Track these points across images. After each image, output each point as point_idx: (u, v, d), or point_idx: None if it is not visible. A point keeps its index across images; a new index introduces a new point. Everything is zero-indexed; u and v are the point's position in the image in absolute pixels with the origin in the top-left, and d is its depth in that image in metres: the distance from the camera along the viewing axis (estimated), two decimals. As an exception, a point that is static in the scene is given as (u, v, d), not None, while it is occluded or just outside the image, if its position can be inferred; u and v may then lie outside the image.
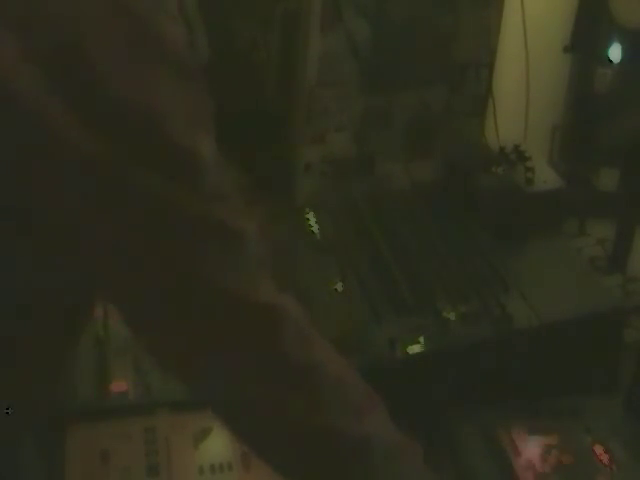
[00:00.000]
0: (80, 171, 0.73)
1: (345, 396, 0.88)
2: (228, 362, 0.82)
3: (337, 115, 1.65)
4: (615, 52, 2.27)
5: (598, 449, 1.25)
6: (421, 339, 1.31)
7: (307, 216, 1.56)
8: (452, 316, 1.35)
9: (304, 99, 1.61)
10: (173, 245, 0.78)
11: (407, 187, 1.71)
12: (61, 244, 0.79)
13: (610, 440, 1.27)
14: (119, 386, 1.31)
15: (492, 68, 1.80)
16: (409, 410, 1.29)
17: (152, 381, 1.32)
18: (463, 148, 1.74)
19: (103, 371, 1.34)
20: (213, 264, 0.80)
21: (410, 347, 1.30)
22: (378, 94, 1.68)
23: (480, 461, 1.23)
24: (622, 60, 2.27)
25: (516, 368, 1.35)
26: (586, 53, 2.33)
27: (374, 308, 1.37)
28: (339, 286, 1.42)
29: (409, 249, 1.50)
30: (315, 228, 1.54)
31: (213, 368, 0.83)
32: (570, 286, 1.45)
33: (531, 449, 1.25)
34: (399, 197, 1.64)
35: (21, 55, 0.70)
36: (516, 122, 2.12)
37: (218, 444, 1.23)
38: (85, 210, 0.75)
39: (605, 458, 1.24)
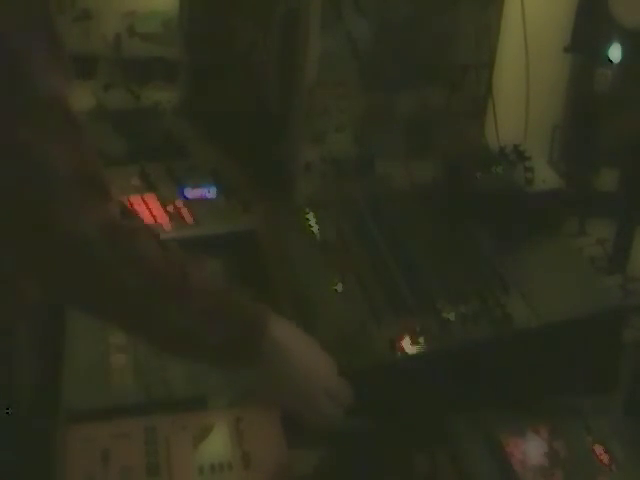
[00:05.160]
0: None
1: None
2: None
3: (337, 115, 1.65)
4: (615, 52, 2.28)
5: (598, 449, 1.25)
6: (421, 339, 1.31)
7: (307, 216, 1.56)
8: (452, 316, 1.35)
9: (304, 99, 1.61)
10: None
11: (407, 187, 1.71)
12: None
13: (610, 440, 1.27)
14: (119, 386, 1.31)
15: (492, 68, 1.80)
16: (409, 410, 1.29)
17: (152, 381, 1.32)
18: (463, 148, 1.74)
19: (103, 371, 1.34)
20: None
21: (410, 347, 1.30)
22: (378, 94, 1.68)
23: (480, 461, 1.22)
24: (622, 60, 2.27)
25: (516, 368, 1.35)
26: (586, 53, 2.34)
27: (374, 308, 1.37)
28: (339, 286, 1.42)
29: (409, 249, 1.50)
30: (315, 228, 1.54)
31: None
32: (570, 286, 1.45)
33: (531, 449, 1.25)
34: (399, 197, 1.63)
35: None
36: (516, 122, 2.12)
37: (218, 444, 1.23)
38: None
39: (605, 458, 1.24)
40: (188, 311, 1.06)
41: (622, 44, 2.26)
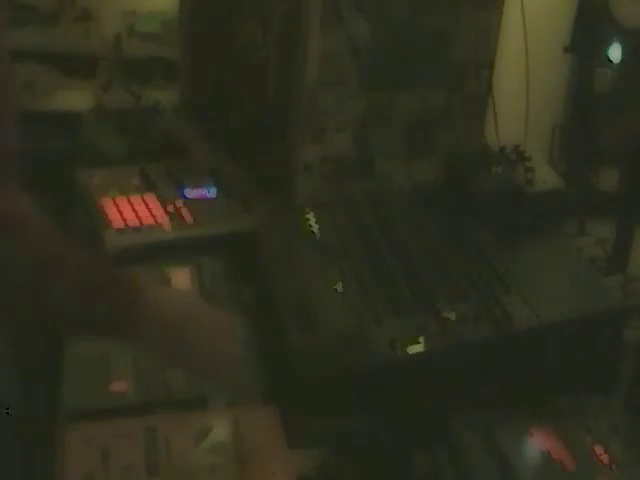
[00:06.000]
0: None
1: None
2: None
3: (337, 115, 1.65)
4: (615, 52, 2.28)
5: (598, 449, 1.25)
6: (421, 339, 1.31)
7: (307, 216, 1.56)
8: (452, 316, 1.35)
9: (304, 99, 1.61)
10: None
11: (407, 187, 1.71)
12: None
13: (610, 440, 1.27)
14: (119, 386, 1.31)
15: (492, 68, 1.80)
16: (409, 410, 1.30)
17: (152, 381, 1.32)
18: (463, 148, 1.74)
19: (103, 371, 1.34)
20: None
21: (410, 347, 1.31)
22: (378, 94, 1.68)
23: (480, 461, 1.23)
24: (622, 60, 2.27)
25: (516, 368, 1.35)
26: (586, 53, 2.34)
27: (374, 308, 1.37)
28: (339, 286, 1.42)
29: (409, 249, 1.50)
30: (315, 228, 1.54)
31: None
32: (570, 286, 1.45)
33: (531, 449, 1.25)
34: (399, 197, 1.64)
35: None
36: (516, 122, 2.12)
37: (218, 444, 1.23)
38: None
39: (605, 458, 1.24)
40: (66, 285, 1.08)
41: (622, 44, 2.26)
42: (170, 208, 1.70)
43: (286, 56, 1.64)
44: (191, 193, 1.75)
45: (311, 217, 1.56)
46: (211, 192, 1.76)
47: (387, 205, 1.61)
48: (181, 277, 1.54)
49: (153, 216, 1.67)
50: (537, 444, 1.26)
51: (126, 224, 1.64)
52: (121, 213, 1.67)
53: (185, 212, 1.69)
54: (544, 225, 1.56)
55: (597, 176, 2.40)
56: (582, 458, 1.24)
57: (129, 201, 1.70)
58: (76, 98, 2.22)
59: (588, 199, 2.26)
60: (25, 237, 1.06)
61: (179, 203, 1.71)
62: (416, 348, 1.31)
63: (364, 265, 1.47)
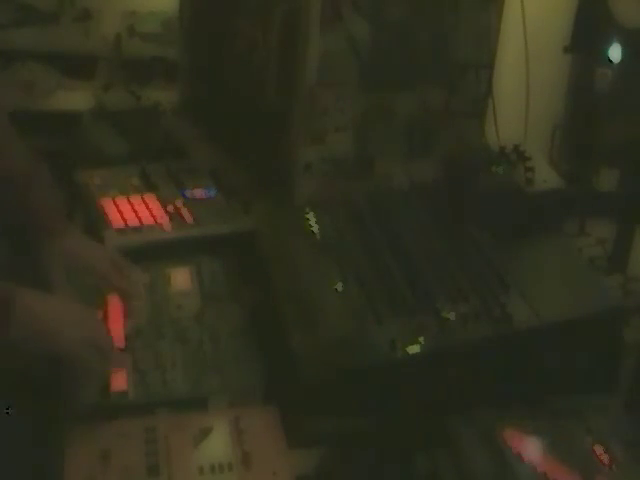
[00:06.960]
0: None
1: None
2: None
3: (337, 115, 1.65)
4: (615, 52, 2.28)
5: (598, 449, 1.25)
6: (421, 339, 1.31)
7: (307, 216, 1.56)
8: (452, 316, 1.35)
9: (304, 99, 1.61)
10: None
11: (407, 187, 1.71)
12: None
13: (610, 440, 1.27)
14: (119, 386, 1.31)
15: (492, 68, 1.80)
16: (409, 410, 1.30)
17: (152, 381, 1.32)
18: (463, 148, 1.74)
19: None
20: None
21: (410, 347, 1.31)
22: (378, 94, 1.68)
23: (480, 461, 1.23)
24: (622, 60, 2.27)
25: (516, 368, 1.35)
26: (586, 53, 2.34)
27: (374, 308, 1.37)
28: (339, 286, 1.42)
29: (409, 249, 1.50)
30: (315, 228, 1.54)
31: None
32: (570, 286, 1.45)
33: (531, 449, 1.25)
34: (399, 197, 1.64)
35: None
36: (516, 122, 2.12)
37: (218, 444, 1.23)
38: None
39: (605, 458, 1.24)
40: None
41: (622, 44, 2.26)
42: (170, 208, 1.70)
43: (286, 56, 1.64)
44: (191, 193, 1.75)
45: (311, 217, 1.56)
46: (211, 192, 1.76)
47: (387, 205, 1.61)
48: (181, 277, 1.54)
49: (153, 216, 1.67)
50: (537, 444, 1.26)
51: (126, 224, 1.64)
52: (121, 213, 1.67)
53: (185, 212, 1.69)
54: (544, 225, 1.56)
55: (597, 176, 2.40)
56: (582, 458, 1.24)
57: (129, 201, 1.70)
58: (76, 98, 2.22)
59: (588, 199, 2.26)
60: None
61: (179, 203, 1.71)
62: (416, 348, 1.31)
63: (364, 265, 1.47)
